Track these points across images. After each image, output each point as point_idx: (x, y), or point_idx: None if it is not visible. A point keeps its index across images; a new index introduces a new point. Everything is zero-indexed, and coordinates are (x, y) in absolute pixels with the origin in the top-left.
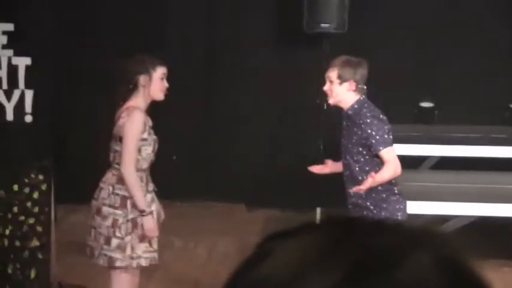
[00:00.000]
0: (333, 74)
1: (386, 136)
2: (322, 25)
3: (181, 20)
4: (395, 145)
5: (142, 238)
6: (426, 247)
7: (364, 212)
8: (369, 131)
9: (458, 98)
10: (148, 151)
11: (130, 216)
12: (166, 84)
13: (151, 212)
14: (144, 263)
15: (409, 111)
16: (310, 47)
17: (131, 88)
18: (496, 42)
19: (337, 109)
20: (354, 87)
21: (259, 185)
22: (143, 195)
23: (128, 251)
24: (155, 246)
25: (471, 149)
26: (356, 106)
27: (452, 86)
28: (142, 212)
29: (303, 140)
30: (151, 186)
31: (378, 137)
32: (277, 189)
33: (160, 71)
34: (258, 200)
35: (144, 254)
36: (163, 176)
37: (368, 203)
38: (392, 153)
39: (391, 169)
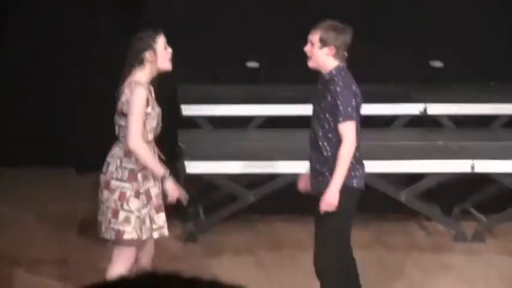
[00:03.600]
0: (314, 37)
1: (349, 109)
2: None
3: (25, 15)
4: (225, 106)
5: (159, 209)
6: None
7: (320, 178)
8: (337, 100)
9: (283, 58)
10: (153, 124)
11: (143, 188)
12: (170, 50)
13: (170, 175)
14: (166, 233)
15: (236, 72)
16: None
17: (137, 65)
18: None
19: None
20: (333, 53)
21: (88, 149)
22: (157, 161)
23: (147, 223)
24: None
25: (298, 108)
26: (334, 72)
27: (278, 45)
28: (163, 178)
29: None
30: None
31: (341, 108)
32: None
33: (161, 41)
34: (87, 163)
35: (165, 223)
36: None
37: (324, 169)
38: (349, 128)
39: (347, 149)
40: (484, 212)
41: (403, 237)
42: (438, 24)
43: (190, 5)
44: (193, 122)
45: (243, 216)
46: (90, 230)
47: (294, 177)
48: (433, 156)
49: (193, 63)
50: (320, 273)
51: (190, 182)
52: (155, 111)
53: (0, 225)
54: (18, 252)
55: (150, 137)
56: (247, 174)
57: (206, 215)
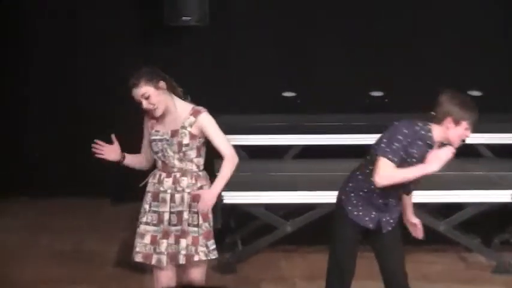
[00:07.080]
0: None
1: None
2: (183, 18)
3: (42, 18)
4: (262, 136)
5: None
6: None
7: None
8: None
9: (319, 87)
10: (155, 150)
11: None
12: (144, 105)
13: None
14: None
15: (272, 101)
16: (172, 41)
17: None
18: (354, 31)
19: None
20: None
21: (122, 179)
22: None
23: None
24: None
25: (333, 138)
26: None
27: (313, 75)
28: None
29: None
30: (166, 186)
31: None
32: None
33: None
34: (122, 194)
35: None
36: (26, 172)
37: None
38: (385, 165)
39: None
40: None
41: (442, 269)
42: (476, 53)
43: (227, 32)
44: None
45: (279, 246)
46: (125, 261)
47: (329, 208)
48: (472, 187)
49: (229, 93)
50: None
51: (227, 212)
52: (152, 138)
53: (36, 255)
54: (54, 283)
55: (158, 164)
56: (284, 204)
57: (243, 245)
